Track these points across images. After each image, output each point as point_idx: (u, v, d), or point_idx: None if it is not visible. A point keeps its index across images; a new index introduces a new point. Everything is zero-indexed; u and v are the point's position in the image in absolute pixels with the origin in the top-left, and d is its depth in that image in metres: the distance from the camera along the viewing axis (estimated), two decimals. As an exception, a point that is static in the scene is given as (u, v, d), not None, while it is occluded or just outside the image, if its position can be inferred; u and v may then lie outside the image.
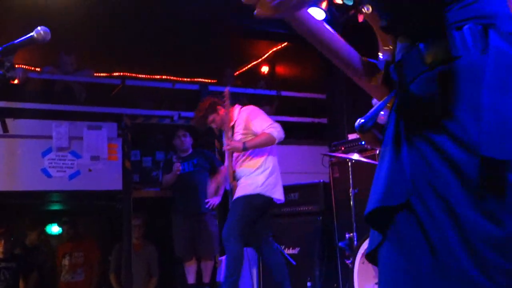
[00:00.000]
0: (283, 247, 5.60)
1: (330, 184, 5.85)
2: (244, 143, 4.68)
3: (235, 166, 4.82)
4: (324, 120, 7.47)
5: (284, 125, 7.70)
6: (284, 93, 7.66)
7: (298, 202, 5.80)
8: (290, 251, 5.76)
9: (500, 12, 1.34)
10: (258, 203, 4.70)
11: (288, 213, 5.82)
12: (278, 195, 4.79)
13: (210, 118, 4.92)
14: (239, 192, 4.72)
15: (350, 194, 4.84)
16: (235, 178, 4.81)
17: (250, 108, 4.96)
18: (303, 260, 5.65)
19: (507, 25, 1.32)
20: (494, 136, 1.20)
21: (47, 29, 2.15)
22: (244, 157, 4.77)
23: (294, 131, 7.65)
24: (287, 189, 5.72)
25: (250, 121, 4.78)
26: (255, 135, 4.75)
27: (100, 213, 7.88)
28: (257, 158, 4.77)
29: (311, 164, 6.59)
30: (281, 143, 7.13)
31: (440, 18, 1.35)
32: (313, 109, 7.69)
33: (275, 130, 4.73)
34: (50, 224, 8.15)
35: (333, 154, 5.42)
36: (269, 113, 7.73)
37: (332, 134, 6.77)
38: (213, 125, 5.02)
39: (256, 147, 4.75)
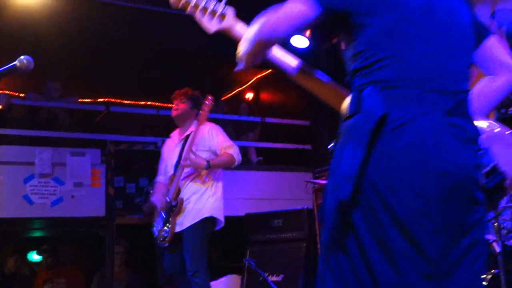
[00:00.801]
0: (267, 274, 5.57)
1: (314, 211, 5.86)
2: (208, 161, 4.38)
3: (181, 183, 4.47)
4: (308, 147, 7.51)
5: (268, 151, 7.84)
6: (268, 119, 7.71)
7: (282, 229, 5.79)
8: (274, 278, 5.73)
9: (392, 76, 1.60)
10: (210, 227, 4.48)
11: (272, 239, 5.80)
12: (222, 220, 4.55)
13: (182, 104, 4.62)
14: (193, 217, 4.42)
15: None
16: (179, 195, 4.47)
17: (213, 125, 4.71)
18: (287, 287, 5.62)
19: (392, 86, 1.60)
20: (335, 184, 1.67)
21: (30, 58, 2.17)
22: (195, 175, 4.49)
23: (278, 157, 7.70)
24: (271, 215, 5.73)
25: (213, 138, 4.54)
26: (214, 152, 4.52)
27: (82, 240, 7.80)
28: (209, 178, 4.53)
29: (295, 191, 6.60)
30: (265, 169, 7.23)
31: (352, 82, 1.70)
32: (297, 136, 7.73)
33: (236, 152, 4.55)
34: (31, 252, 8.06)
35: (317, 181, 5.44)
36: (253, 139, 7.80)
37: (316, 160, 6.80)
38: (174, 112, 4.67)
39: (219, 167, 4.53)
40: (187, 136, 4.60)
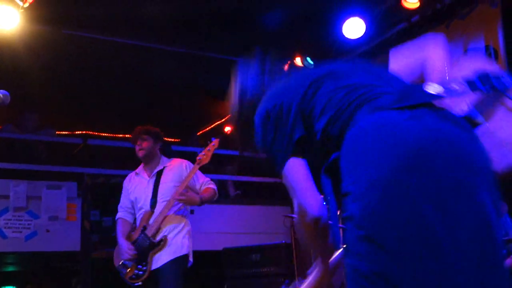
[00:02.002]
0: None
1: (292, 245, 5.84)
2: (201, 197, 4.42)
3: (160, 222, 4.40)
4: (286, 180, 7.52)
5: (247, 185, 7.82)
6: (246, 153, 7.70)
7: (260, 263, 5.75)
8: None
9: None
10: (186, 264, 4.44)
11: (251, 274, 5.75)
12: (191, 259, 4.52)
13: (146, 142, 4.56)
14: (173, 253, 4.36)
15: (312, 255, 4.83)
16: (159, 231, 4.38)
17: (186, 161, 4.67)
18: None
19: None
20: None
21: (7, 92, 2.17)
22: (172, 213, 4.43)
23: (256, 191, 7.68)
24: (249, 250, 5.70)
25: (191, 175, 4.47)
26: (190, 188, 4.49)
27: (58, 275, 7.64)
28: (182, 215, 4.50)
29: (273, 225, 6.59)
30: (243, 203, 7.20)
31: None
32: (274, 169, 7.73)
33: (216, 187, 4.59)
34: (4, 287, 7.88)
35: (295, 215, 5.43)
36: (231, 172, 7.79)
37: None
38: (140, 152, 4.59)
39: (206, 202, 4.53)
40: (160, 172, 4.58)
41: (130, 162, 7.30)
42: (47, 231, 6.03)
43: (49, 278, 7.79)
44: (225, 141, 8.61)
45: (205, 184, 4.58)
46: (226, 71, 2.11)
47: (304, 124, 1.74)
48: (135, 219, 4.63)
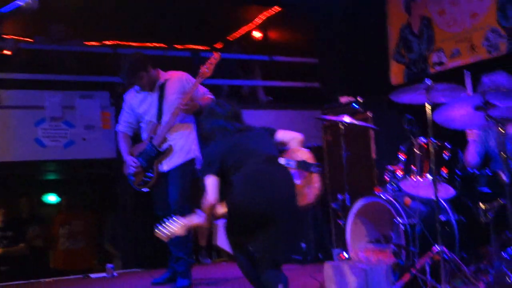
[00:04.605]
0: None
1: (323, 147, 5.91)
2: (200, 104, 4.56)
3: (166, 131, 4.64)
4: (316, 84, 7.49)
5: (277, 90, 7.81)
6: (276, 58, 7.65)
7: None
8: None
9: None
10: (193, 167, 4.70)
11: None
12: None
13: (140, 74, 4.62)
14: (184, 157, 4.64)
15: (342, 157, 4.89)
16: (165, 142, 4.63)
17: (186, 73, 4.78)
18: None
19: None
20: None
21: (35, -3, 2.16)
22: (177, 122, 4.63)
23: (287, 95, 7.68)
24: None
25: (194, 87, 4.60)
26: (192, 99, 4.60)
27: (95, 182, 7.92)
28: (189, 123, 4.74)
29: (304, 128, 6.59)
30: (273, 107, 7.23)
31: None
32: (305, 74, 7.69)
33: (213, 97, 4.72)
34: (46, 194, 8.21)
35: (325, 117, 5.46)
36: (260, 78, 7.80)
37: (324, 98, 6.79)
38: (146, 88, 4.71)
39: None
40: (162, 85, 4.71)
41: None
42: (83, 139, 6.20)
43: (87, 185, 8.07)
44: (254, 46, 8.57)
45: (204, 94, 4.73)
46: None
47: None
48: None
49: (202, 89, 4.76)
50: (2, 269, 6.80)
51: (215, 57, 4.63)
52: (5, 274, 6.63)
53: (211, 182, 3.29)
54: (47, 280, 5.84)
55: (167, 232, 3.29)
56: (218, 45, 8.71)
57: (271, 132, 3.57)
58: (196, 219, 3.34)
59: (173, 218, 3.36)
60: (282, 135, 3.57)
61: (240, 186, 3.22)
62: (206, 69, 4.58)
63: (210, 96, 4.74)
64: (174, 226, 3.30)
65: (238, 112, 3.62)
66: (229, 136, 3.45)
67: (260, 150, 3.37)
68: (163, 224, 3.33)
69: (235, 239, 3.33)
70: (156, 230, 3.34)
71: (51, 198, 8.21)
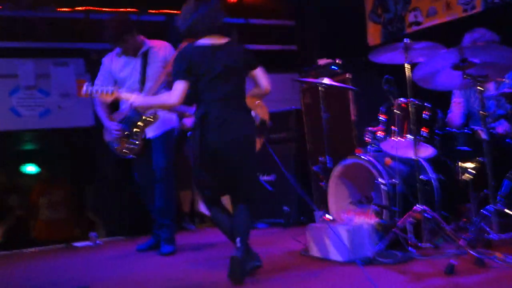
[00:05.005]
0: (259, 174, 5.70)
1: (302, 110, 5.91)
2: None
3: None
4: (293, 47, 7.45)
5: (254, 53, 7.73)
6: (252, 20, 7.57)
7: (271, 130, 5.85)
8: (266, 177, 5.87)
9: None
10: (176, 134, 4.81)
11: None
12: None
13: (126, 37, 4.58)
14: (167, 124, 4.70)
15: (322, 119, 4.89)
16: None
17: (169, 44, 4.78)
18: (279, 185, 5.78)
19: None
20: None
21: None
22: (160, 89, 4.61)
23: (264, 59, 7.61)
24: (259, 117, 5.76)
25: (172, 56, 4.56)
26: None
27: (75, 151, 7.81)
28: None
29: (282, 92, 6.60)
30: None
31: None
32: (282, 36, 7.63)
33: None
34: (24, 164, 8.08)
35: (304, 79, 5.44)
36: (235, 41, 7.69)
37: (301, 60, 6.76)
38: (129, 52, 4.68)
39: None
40: (145, 52, 4.68)
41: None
42: (59, 107, 6.11)
43: (68, 155, 7.94)
44: (229, 9, 8.43)
45: None
46: None
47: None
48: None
49: None
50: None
51: None
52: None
53: (180, 87, 3.38)
54: (30, 250, 5.82)
55: None
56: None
57: (252, 65, 3.75)
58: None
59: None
60: (260, 76, 3.79)
61: (212, 124, 3.38)
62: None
63: None
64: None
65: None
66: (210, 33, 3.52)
67: (233, 70, 3.55)
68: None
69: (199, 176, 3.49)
70: None
71: (30, 169, 8.10)
